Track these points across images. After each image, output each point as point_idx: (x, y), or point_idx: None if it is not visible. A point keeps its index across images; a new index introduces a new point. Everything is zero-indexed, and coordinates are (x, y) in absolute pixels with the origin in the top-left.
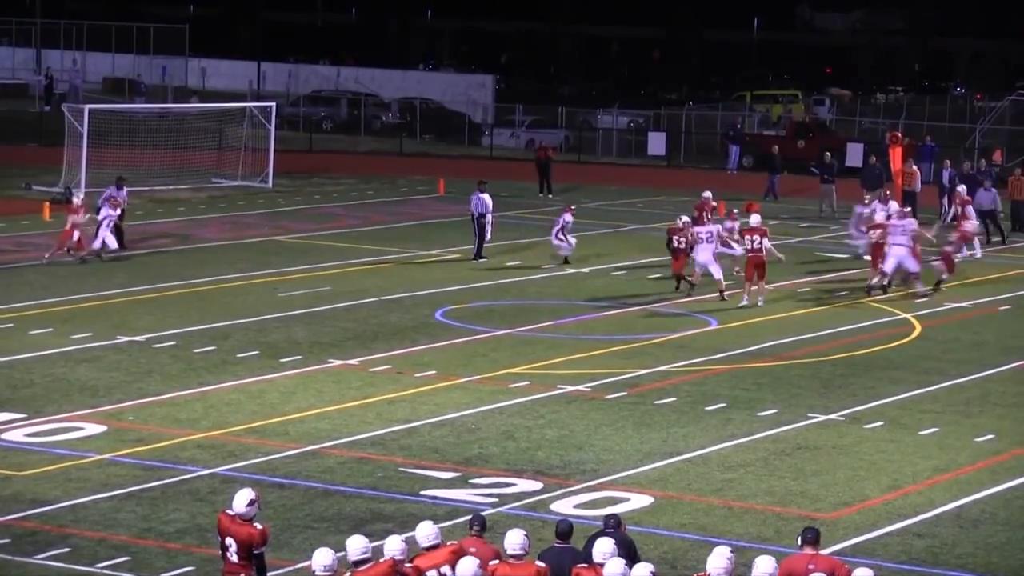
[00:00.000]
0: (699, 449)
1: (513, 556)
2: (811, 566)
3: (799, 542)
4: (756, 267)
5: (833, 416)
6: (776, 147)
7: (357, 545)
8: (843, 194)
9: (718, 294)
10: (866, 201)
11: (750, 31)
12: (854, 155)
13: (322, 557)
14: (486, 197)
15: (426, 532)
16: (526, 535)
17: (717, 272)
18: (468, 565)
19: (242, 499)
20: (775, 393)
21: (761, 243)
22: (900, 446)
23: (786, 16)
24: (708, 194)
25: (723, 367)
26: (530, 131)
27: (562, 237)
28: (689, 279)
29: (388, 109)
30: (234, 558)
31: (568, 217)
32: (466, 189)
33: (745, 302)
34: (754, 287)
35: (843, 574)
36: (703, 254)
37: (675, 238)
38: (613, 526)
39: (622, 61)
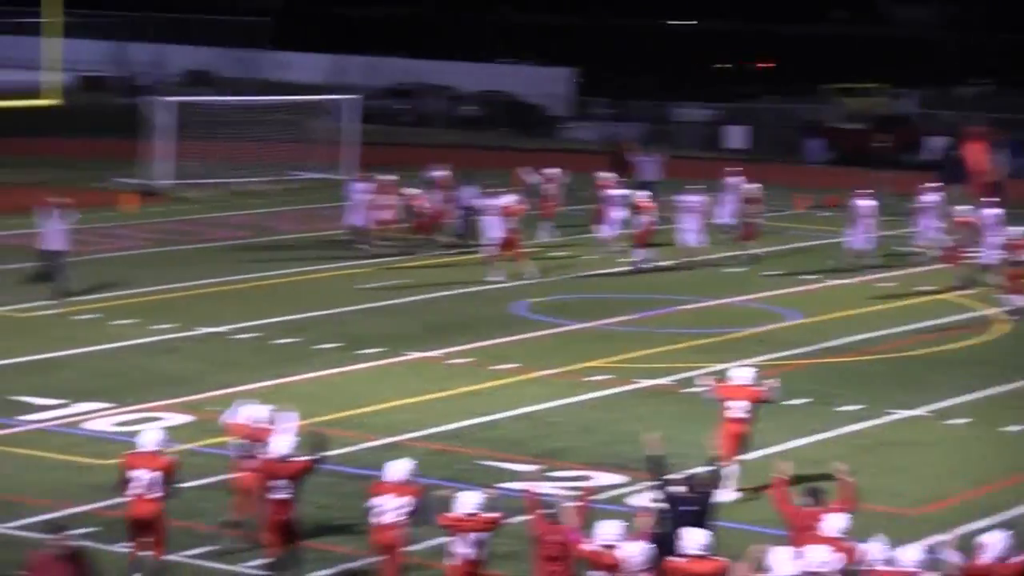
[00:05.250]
0: (780, 444)
1: (608, 546)
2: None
3: (810, 501)
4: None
5: (916, 412)
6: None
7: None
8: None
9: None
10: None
11: (830, 24)
12: (936, 149)
13: (470, 498)
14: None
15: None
16: (621, 526)
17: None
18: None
19: (284, 443)
20: (857, 388)
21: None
22: (983, 443)
23: (867, 8)
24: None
25: (804, 362)
26: (609, 124)
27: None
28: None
29: (466, 102)
30: (283, 495)
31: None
32: None
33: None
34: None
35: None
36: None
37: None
38: (691, 487)
39: (702, 54)
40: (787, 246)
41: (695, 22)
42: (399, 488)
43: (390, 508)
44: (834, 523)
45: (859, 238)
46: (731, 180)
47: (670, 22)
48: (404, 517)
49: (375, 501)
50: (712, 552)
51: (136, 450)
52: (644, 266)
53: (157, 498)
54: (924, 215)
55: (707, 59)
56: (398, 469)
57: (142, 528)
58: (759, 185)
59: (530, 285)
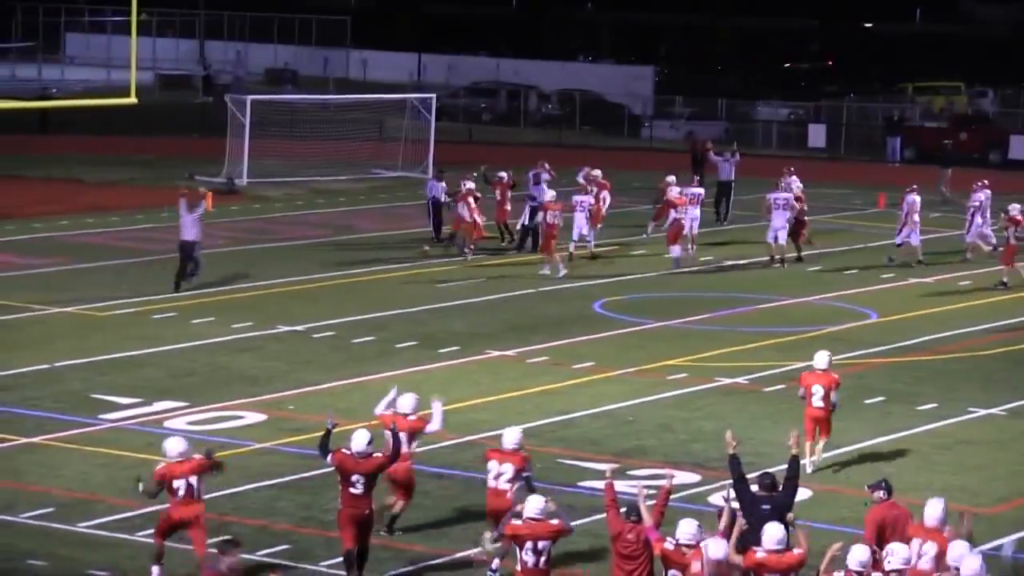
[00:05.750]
0: (858, 442)
1: (685, 545)
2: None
3: (883, 495)
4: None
5: (994, 411)
6: None
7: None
8: (1007, 187)
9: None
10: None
11: (912, 22)
12: (1018, 148)
13: (534, 504)
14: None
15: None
16: (699, 525)
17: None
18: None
19: (362, 439)
20: (934, 387)
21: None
22: None
23: (948, 7)
24: (671, 178)
25: (880, 360)
26: (689, 123)
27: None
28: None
29: (548, 101)
30: (360, 490)
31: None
32: (625, 181)
33: (546, 271)
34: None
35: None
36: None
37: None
38: (769, 486)
39: (781, 52)
40: (862, 244)
41: (775, 20)
42: (505, 455)
43: (495, 473)
44: (957, 551)
45: (912, 235)
46: (787, 179)
47: (751, 20)
48: (508, 484)
49: (488, 466)
50: (789, 546)
51: (166, 460)
52: (684, 265)
53: (194, 501)
54: (975, 213)
55: (787, 58)
56: (509, 437)
57: (179, 529)
58: (800, 184)
59: (607, 284)
